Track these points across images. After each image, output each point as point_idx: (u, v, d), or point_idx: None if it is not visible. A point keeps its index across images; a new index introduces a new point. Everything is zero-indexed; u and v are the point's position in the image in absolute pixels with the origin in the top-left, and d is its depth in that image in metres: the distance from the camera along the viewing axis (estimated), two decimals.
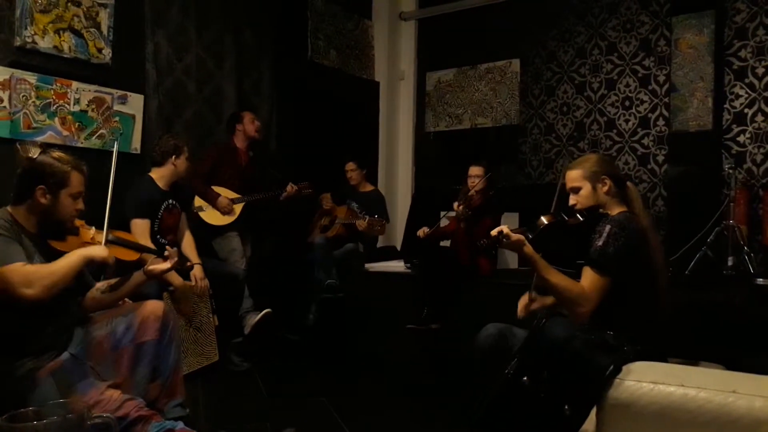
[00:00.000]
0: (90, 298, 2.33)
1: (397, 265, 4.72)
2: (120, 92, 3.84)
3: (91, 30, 3.70)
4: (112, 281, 2.37)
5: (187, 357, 3.22)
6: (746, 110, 4.46)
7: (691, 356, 2.39)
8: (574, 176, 2.32)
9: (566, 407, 1.77)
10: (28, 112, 3.43)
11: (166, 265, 2.38)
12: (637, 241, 2.12)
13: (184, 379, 2.41)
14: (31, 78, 3.43)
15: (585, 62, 5.19)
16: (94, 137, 3.74)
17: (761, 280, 3.61)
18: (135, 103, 3.93)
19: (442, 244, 4.56)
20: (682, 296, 3.16)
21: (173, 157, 3.46)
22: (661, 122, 4.83)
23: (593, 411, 1.66)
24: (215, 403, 3.05)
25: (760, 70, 4.41)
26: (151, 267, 2.37)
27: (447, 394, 3.13)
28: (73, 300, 2.21)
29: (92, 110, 3.71)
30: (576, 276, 2.15)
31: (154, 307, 2.31)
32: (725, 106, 4.52)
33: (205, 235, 4.04)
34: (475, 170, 4.29)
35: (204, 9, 4.41)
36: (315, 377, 3.67)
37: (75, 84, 3.62)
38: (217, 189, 4.10)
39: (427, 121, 6.16)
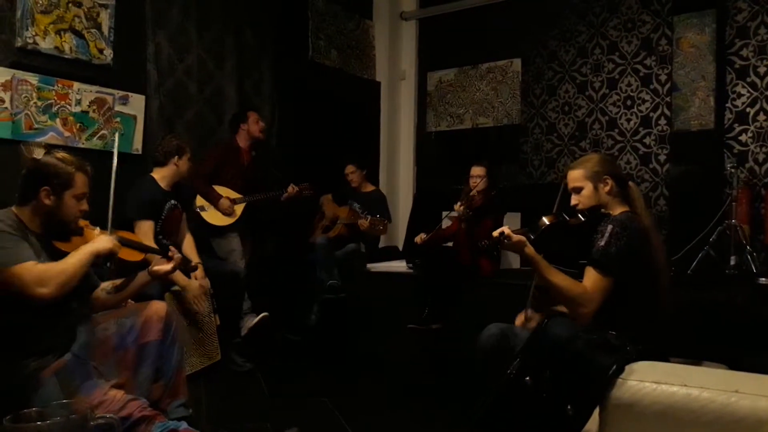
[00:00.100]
0: (95, 299, 2.34)
1: (399, 266, 4.72)
2: (121, 93, 3.85)
3: (92, 31, 3.70)
4: (117, 282, 2.38)
5: (190, 357, 3.23)
6: (748, 109, 4.45)
7: (693, 356, 2.39)
8: (575, 176, 2.31)
9: (569, 407, 1.77)
10: (29, 113, 3.43)
11: (170, 265, 2.39)
12: (639, 241, 2.12)
13: (186, 379, 2.42)
14: (33, 79, 3.43)
15: (586, 62, 5.18)
16: (95, 138, 3.74)
17: (764, 279, 3.61)
18: (136, 104, 3.93)
19: (443, 244, 4.56)
20: (684, 296, 3.16)
21: (176, 157, 3.47)
22: (662, 121, 4.83)
23: (596, 411, 1.66)
24: (218, 403, 3.05)
25: (762, 69, 4.40)
26: (155, 268, 2.39)
27: (448, 394, 3.13)
28: (78, 300, 2.21)
29: (93, 111, 3.72)
30: (578, 276, 2.15)
31: (157, 307, 2.32)
32: (727, 105, 4.51)
33: (205, 234, 4.05)
34: (476, 170, 4.29)
35: (205, 9, 4.41)
36: (317, 377, 3.67)
37: (76, 85, 3.62)
38: (218, 189, 4.10)
39: (429, 121, 6.16)
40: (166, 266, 2.40)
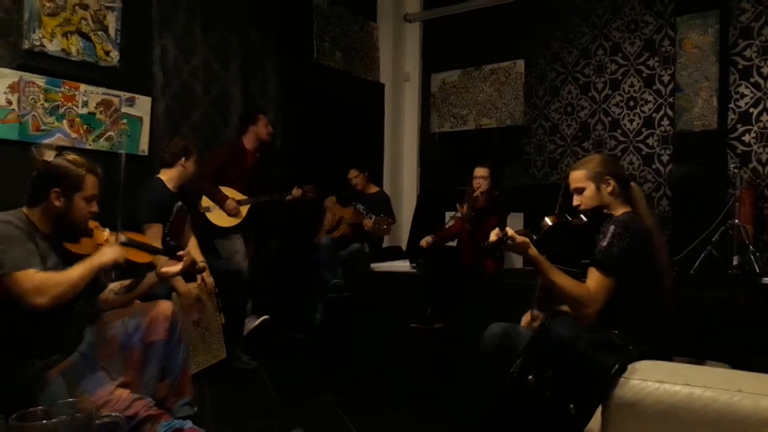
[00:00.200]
0: (103, 299, 2.35)
1: (402, 265, 4.73)
2: (127, 94, 3.87)
3: (99, 33, 3.72)
4: (126, 282, 2.40)
5: (196, 356, 3.24)
6: (751, 110, 4.45)
7: (696, 355, 2.39)
8: (577, 177, 2.32)
9: (571, 406, 1.78)
10: (36, 114, 3.45)
11: (179, 267, 2.41)
12: (641, 242, 2.13)
13: (192, 378, 2.43)
14: (40, 81, 3.46)
15: (589, 63, 5.19)
16: (102, 139, 3.76)
17: (766, 279, 3.61)
18: (142, 106, 3.95)
19: (447, 243, 4.56)
20: (687, 295, 3.16)
21: (183, 159, 3.48)
22: (665, 122, 4.83)
23: (598, 410, 1.67)
24: (223, 401, 3.06)
25: (765, 70, 4.40)
26: (164, 269, 2.41)
27: (451, 394, 3.13)
28: (86, 301, 2.23)
29: (100, 112, 3.74)
30: (580, 276, 2.15)
31: (163, 307, 2.34)
32: (730, 105, 4.51)
33: (209, 235, 4.07)
34: (480, 171, 4.30)
35: (210, 11, 4.43)
36: (321, 376, 3.68)
37: (83, 86, 3.65)
38: (223, 189, 4.12)
39: (432, 122, 6.17)
40: (175, 267, 2.42)
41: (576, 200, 2.32)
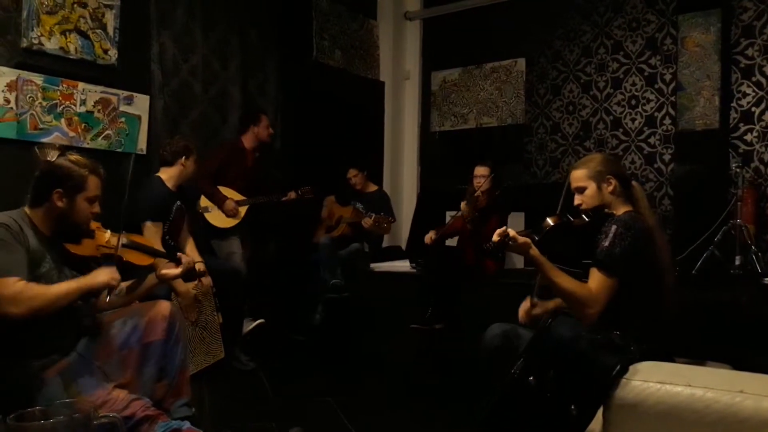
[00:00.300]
0: (102, 300, 2.33)
1: (402, 265, 4.72)
2: (126, 93, 3.86)
3: (97, 31, 3.71)
4: (128, 283, 2.40)
5: (195, 356, 3.23)
6: (753, 109, 4.43)
7: (698, 356, 2.38)
8: (578, 176, 2.31)
9: (572, 407, 1.77)
10: (34, 113, 3.44)
11: (179, 270, 2.41)
12: (643, 241, 2.12)
13: (190, 378, 2.42)
14: (38, 79, 3.45)
15: (591, 61, 5.17)
16: (100, 138, 3.75)
17: None
18: (141, 104, 3.94)
19: (447, 243, 4.55)
20: (688, 296, 3.14)
21: (183, 158, 3.47)
22: (667, 121, 4.81)
23: (600, 411, 1.66)
24: (221, 402, 3.05)
25: None
26: (164, 271, 2.41)
27: (451, 394, 3.13)
28: (83, 301, 2.22)
29: (98, 111, 3.73)
30: (582, 276, 2.14)
31: (161, 307, 2.32)
32: (732, 104, 4.49)
33: (206, 234, 4.06)
34: (480, 170, 4.29)
35: (209, 10, 4.42)
36: (320, 377, 3.68)
37: (81, 85, 3.64)
38: (222, 189, 4.11)
39: (433, 121, 6.15)
40: (175, 270, 2.42)
41: (577, 200, 2.32)
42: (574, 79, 5.26)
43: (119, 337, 2.24)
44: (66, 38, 3.56)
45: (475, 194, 4.19)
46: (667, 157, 4.82)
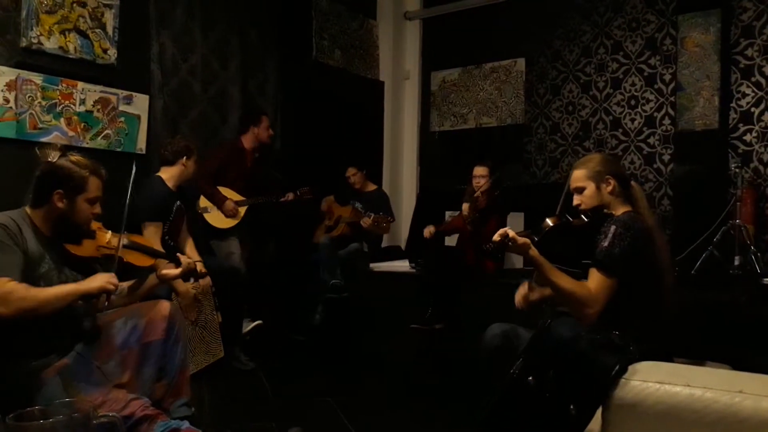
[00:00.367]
0: (101, 304, 2.33)
1: (402, 265, 4.72)
2: (125, 93, 3.85)
3: (97, 31, 3.71)
4: (130, 283, 2.40)
5: (195, 356, 3.23)
6: (753, 109, 4.44)
7: (697, 356, 2.38)
8: (577, 176, 2.31)
9: (572, 407, 1.77)
10: (34, 112, 3.44)
11: (178, 271, 2.42)
12: (642, 241, 2.12)
13: (190, 378, 2.42)
14: (37, 79, 3.44)
15: (590, 61, 5.17)
16: (99, 137, 3.75)
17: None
18: (140, 104, 3.94)
19: (447, 243, 4.55)
20: (688, 296, 3.15)
21: (184, 158, 3.47)
22: (667, 121, 4.81)
23: (599, 411, 1.66)
24: (220, 402, 3.05)
25: (767, 69, 4.38)
26: (164, 272, 2.42)
27: (451, 394, 3.13)
28: (83, 300, 2.21)
29: (98, 111, 3.73)
30: (582, 276, 2.14)
31: (160, 306, 2.32)
32: (732, 105, 4.49)
33: (205, 235, 4.05)
34: (479, 170, 4.29)
35: (209, 9, 4.42)
36: (320, 377, 3.68)
37: (80, 84, 3.63)
38: (222, 190, 4.10)
39: (432, 121, 6.15)
40: (174, 271, 2.43)
41: (576, 200, 2.32)
42: (573, 79, 5.26)
43: (119, 336, 2.24)
44: (65, 38, 3.56)
45: (475, 195, 4.19)
46: (666, 158, 4.82)
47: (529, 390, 1.89)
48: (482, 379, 2.22)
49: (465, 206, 4.16)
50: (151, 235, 3.22)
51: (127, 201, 2.31)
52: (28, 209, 2.15)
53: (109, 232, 2.34)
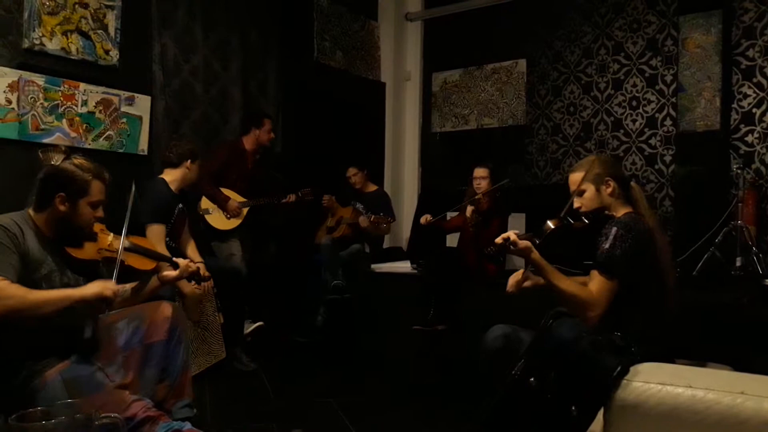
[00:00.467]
0: (101, 308, 2.33)
1: (404, 266, 4.73)
2: (127, 94, 3.86)
3: (99, 32, 3.72)
4: (133, 285, 2.40)
5: (197, 357, 3.24)
6: (754, 110, 4.44)
7: (698, 357, 2.38)
8: (576, 179, 2.31)
9: (573, 408, 1.76)
10: (36, 113, 3.45)
11: (176, 273, 2.43)
12: (643, 242, 2.11)
13: (192, 379, 2.42)
14: (39, 80, 3.45)
15: (591, 62, 5.18)
16: (101, 138, 3.76)
17: None
18: (142, 105, 3.94)
19: (448, 244, 4.55)
20: (689, 297, 3.15)
21: (188, 161, 3.46)
22: (668, 122, 4.81)
23: (600, 412, 1.66)
24: (222, 403, 3.05)
25: None
26: (164, 273, 2.43)
27: (453, 395, 3.12)
28: (82, 308, 2.21)
29: (100, 112, 3.73)
30: (583, 276, 2.14)
31: (163, 308, 2.32)
32: (733, 105, 4.50)
33: (207, 236, 4.06)
34: (479, 172, 4.29)
35: (210, 10, 4.42)
36: (321, 378, 3.67)
37: (82, 85, 3.64)
38: (224, 191, 4.10)
39: (434, 122, 6.16)
40: (173, 273, 2.43)
41: (576, 203, 2.31)
42: (574, 80, 5.26)
43: (121, 338, 2.24)
44: (67, 39, 3.57)
45: (476, 197, 4.19)
46: (668, 159, 4.82)
47: (530, 391, 1.89)
48: (483, 381, 2.22)
49: (469, 209, 4.16)
50: (155, 237, 3.22)
51: (129, 206, 2.32)
52: (30, 211, 2.16)
53: (111, 234, 2.34)
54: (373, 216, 4.57)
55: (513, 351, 2.17)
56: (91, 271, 2.28)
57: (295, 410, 3.07)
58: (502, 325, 2.34)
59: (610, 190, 2.26)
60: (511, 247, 2.03)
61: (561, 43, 5.32)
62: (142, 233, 3.18)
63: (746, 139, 4.46)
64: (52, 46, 3.50)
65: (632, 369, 1.59)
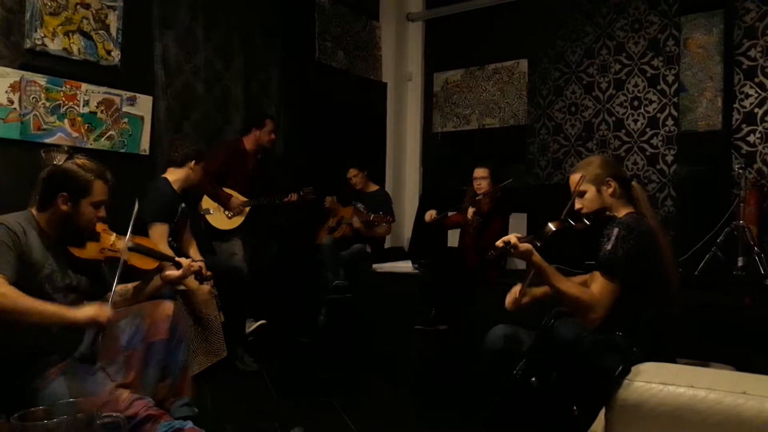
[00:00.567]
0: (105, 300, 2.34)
1: (405, 266, 4.72)
2: (129, 94, 3.86)
3: (100, 32, 3.72)
4: (135, 284, 2.41)
5: (197, 356, 3.23)
6: (756, 110, 4.43)
7: (700, 357, 2.38)
8: (577, 180, 2.31)
9: (575, 408, 1.77)
10: (38, 113, 3.45)
11: (179, 272, 2.43)
12: (645, 243, 2.11)
13: (192, 378, 2.43)
14: (41, 80, 3.45)
15: (593, 62, 5.17)
16: (103, 138, 3.76)
17: None
18: (144, 105, 3.95)
19: (449, 244, 4.55)
20: (691, 297, 3.14)
21: (193, 162, 3.45)
22: (670, 122, 4.81)
23: (602, 412, 1.66)
24: (224, 402, 3.05)
25: None
26: (167, 273, 2.43)
27: (455, 395, 3.12)
28: (87, 301, 2.21)
29: (101, 112, 3.74)
30: (584, 275, 2.14)
31: (164, 306, 2.33)
32: (735, 105, 4.49)
33: (208, 236, 4.06)
34: (479, 172, 4.28)
35: (212, 10, 4.43)
36: (323, 377, 3.68)
37: (84, 86, 3.64)
38: (226, 191, 4.11)
39: (435, 122, 6.16)
40: (176, 273, 2.44)
41: (577, 203, 2.31)
42: (576, 80, 5.26)
43: (123, 337, 2.24)
44: (69, 39, 3.57)
45: (477, 198, 4.18)
46: (669, 159, 4.81)
47: (532, 391, 1.89)
48: (485, 381, 2.22)
49: (470, 211, 4.15)
50: (158, 236, 3.22)
51: (136, 206, 2.32)
52: (33, 211, 2.16)
53: (114, 234, 2.34)
54: (372, 215, 4.57)
55: (514, 351, 2.18)
56: (93, 270, 2.28)
57: (296, 409, 3.07)
58: (504, 325, 2.34)
59: (611, 190, 2.26)
60: (512, 250, 2.03)
61: (562, 43, 5.31)
62: (145, 233, 3.18)
63: (748, 138, 4.45)
64: (54, 46, 3.50)
65: (634, 369, 1.58)
